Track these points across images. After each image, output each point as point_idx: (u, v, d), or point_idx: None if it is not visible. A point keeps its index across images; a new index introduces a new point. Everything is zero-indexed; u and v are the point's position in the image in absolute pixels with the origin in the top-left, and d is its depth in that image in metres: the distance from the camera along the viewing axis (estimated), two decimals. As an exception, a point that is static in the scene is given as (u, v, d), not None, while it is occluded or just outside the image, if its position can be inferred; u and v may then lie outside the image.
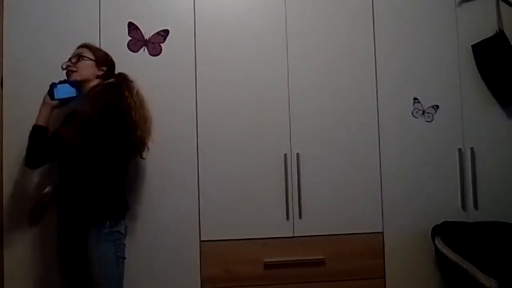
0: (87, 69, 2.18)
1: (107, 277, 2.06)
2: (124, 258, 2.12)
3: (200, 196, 2.47)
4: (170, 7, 2.52)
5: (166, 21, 2.51)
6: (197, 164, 2.48)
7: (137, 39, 2.48)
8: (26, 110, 2.37)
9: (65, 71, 2.17)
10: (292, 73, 2.56)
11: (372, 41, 2.61)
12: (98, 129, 2.01)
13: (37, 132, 2.11)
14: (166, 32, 2.50)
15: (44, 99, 2.15)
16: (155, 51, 2.49)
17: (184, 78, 2.49)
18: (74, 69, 2.16)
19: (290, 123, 2.55)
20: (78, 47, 2.23)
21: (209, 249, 2.45)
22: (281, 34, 2.56)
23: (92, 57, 2.19)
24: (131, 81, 2.19)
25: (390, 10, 2.64)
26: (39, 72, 2.41)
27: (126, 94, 2.11)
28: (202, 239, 2.45)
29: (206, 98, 2.50)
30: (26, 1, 2.45)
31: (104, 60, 2.23)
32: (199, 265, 2.44)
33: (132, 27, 2.48)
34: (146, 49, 2.49)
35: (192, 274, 2.43)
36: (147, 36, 2.49)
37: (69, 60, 2.19)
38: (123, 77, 2.21)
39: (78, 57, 2.18)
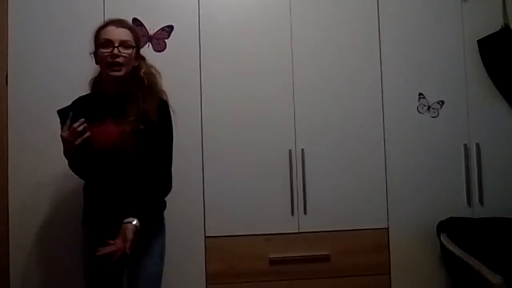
0: (131, 63, 1.91)
1: (161, 271, 2.02)
2: None
3: (205, 192, 2.47)
4: (174, 3, 2.52)
5: (171, 17, 2.51)
6: (202, 159, 2.47)
7: (141, 35, 2.47)
8: (31, 107, 2.40)
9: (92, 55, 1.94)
10: (297, 68, 2.56)
11: (377, 36, 2.60)
12: (159, 129, 1.90)
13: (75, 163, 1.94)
14: (170, 28, 2.50)
15: (66, 151, 1.89)
16: (160, 47, 2.49)
17: (189, 74, 2.49)
18: (122, 61, 1.86)
19: (294, 119, 2.54)
20: (117, 24, 1.90)
21: (214, 245, 2.45)
22: (286, 29, 2.56)
23: (135, 45, 1.92)
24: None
25: (395, 5, 2.62)
26: (44, 68, 2.42)
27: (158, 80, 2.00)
28: (207, 235, 2.46)
29: (210, 94, 2.50)
30: (30, -2, 2.46)
31: (140, 46, 1.98)
32: (204, 261, 2.45)
33: (136, 23, 2.47)
34: (150, 45, 2.49)
35: (197, 270, 2.44)
36: (151, 32, 2.49)
37: (116, 47, 1.84)
38: (146, 63, 2.02)
39: (130, 48, 1.88)
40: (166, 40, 2.50)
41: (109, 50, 1.85)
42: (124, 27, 1.91)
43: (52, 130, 2.26)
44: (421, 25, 2.64)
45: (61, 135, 1.83)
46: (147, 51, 2.45)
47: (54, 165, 2.26)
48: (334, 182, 2.54)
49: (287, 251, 2.48)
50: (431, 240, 2.51)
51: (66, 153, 1.89)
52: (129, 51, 1.87)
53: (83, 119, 1.81)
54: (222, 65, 2.52)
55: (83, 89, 2.06)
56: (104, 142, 1.87)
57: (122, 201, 1.87)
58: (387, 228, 2.55)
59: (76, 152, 1.86)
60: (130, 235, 1.74)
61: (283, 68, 2.55)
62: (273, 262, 2.47)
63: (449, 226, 2.46)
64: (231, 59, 2.53)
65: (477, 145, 2.60)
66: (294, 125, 2.54)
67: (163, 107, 1.96)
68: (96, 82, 2.02)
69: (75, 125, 1.80)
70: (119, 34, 1.87)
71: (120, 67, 1.86)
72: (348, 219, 2.53)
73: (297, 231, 2.51)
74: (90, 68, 2.05)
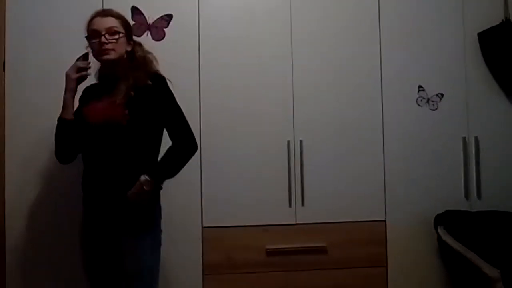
0: (123, 47, 1.96)
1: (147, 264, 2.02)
2: None
3: (203, 183, 2.47)
4: (173, -9, 2.51)
5: (170, 5, 2.49)
6: (200, 149, 2.43)
7: (140, 24, 2.46)
8: (29, 94, 2.39)
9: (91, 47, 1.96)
10: (296, 59, 2.55)
11: (378, 28, 2.59)
12: (156, 96, 1.93)
13: (64, 125, 1.98)
14: (169, 17, 2.48)
15: (66, 91, 1.97)
16: (159, 36, 2.48)
17: (188, 63, 2.48)
18: (111, 47, 1.91)
19: (293, 110, 2.53)
20: (102, 14, 1.96)
21: (211, 236, 2.45)
22: (285, 18, 2.55)
23: (123, 31, 1.96)
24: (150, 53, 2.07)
25: (396, -3, 2.62)
26: (41, 55, 2.41)
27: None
28: (204, 225, 2.45)
29: (209, 83, 2.49)
30: (28, -15, 2.43)
31: (131, 32, 2.03)
32: (201, 252, 2.44)
33: (135, 11, 2.46)
34: (149, 33, 2.47)
35: (194, 260, 2.44)
36: (150, 20, 2.48)
37: (103, 35, 1.90)
38: (143, 48, 2.07)
39: (116, 33, 1.93)
40: (165, 29, 2.48)
41: (97, 39, 1.92)
42: (109, 15, 1.97)
43: (51, 117, 2.28)
44: (421, 17, 2.62)
45: (66, 73, 1.98)
46: (146, 39, 2.44)
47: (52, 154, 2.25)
48: (332, 174, 2.54)
49: (284, 242, 2.48)
50: (429, 233, 2.51)
51: (64, 100, 1.98)
52: (116, 36, 1.93)
53: (89, 62, 1.99)
54: (221, 54, 2.50)
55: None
56: (96, 115, 1.93)
57: (112, 177, 1.91)
58: (385, 221, 2.55)
59: (72, 126, 1.97)
60: (147, 187, 1.89)
61: (282, 59, 2.54)
62: (270, 253, 2.47)
63: (446, 219, 2.46)
64: (230, 48, 2.51)
65: (476, 138, 2.60)
66: (293, 116, 2.53)
67: (156, 76, 1.98)
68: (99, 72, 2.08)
69: (79, 62, 1.97)
70: (104, 22, 1.93)
71: (109, 51, 1.92)
72: (346, 211, 2.53)
73: (294, 223, 2.51)
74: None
